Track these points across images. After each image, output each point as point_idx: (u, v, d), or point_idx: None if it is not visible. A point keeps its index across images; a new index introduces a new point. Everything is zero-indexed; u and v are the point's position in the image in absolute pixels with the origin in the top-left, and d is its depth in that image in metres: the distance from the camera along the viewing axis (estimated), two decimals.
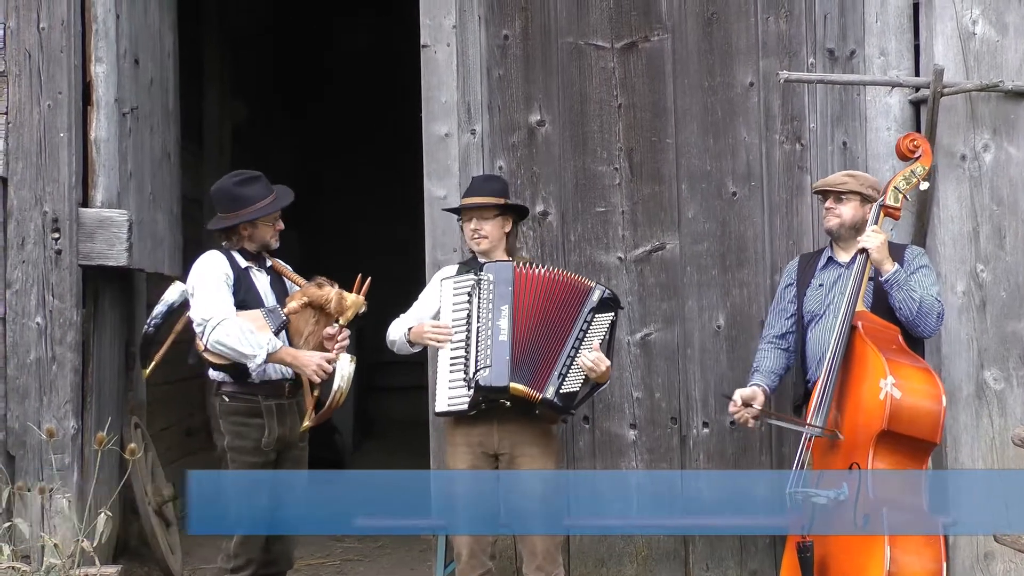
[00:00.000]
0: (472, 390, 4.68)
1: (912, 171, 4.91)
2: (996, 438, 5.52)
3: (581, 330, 4.74)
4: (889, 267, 4.80)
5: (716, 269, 5.71)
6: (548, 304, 4.75)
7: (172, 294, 5.07)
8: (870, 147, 5.62)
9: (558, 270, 4.89)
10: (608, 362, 4.75)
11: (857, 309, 4.75)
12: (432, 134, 5.73)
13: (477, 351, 4.69)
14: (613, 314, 4.81)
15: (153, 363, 5.18)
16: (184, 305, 4.99)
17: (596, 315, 4.77)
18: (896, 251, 4.91)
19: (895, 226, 5.50)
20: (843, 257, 5.01)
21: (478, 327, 4.71)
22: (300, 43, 11.40)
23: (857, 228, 4.94)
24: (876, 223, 4.85)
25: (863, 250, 4.80)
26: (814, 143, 5.66)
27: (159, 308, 5.08)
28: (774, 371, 5.06)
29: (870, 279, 4.83)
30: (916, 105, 5.59)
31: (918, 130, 5.51)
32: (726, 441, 5.68)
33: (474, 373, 4.67)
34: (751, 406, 4.92)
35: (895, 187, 4.89)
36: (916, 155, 4.93)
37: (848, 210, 4.95)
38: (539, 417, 4.78)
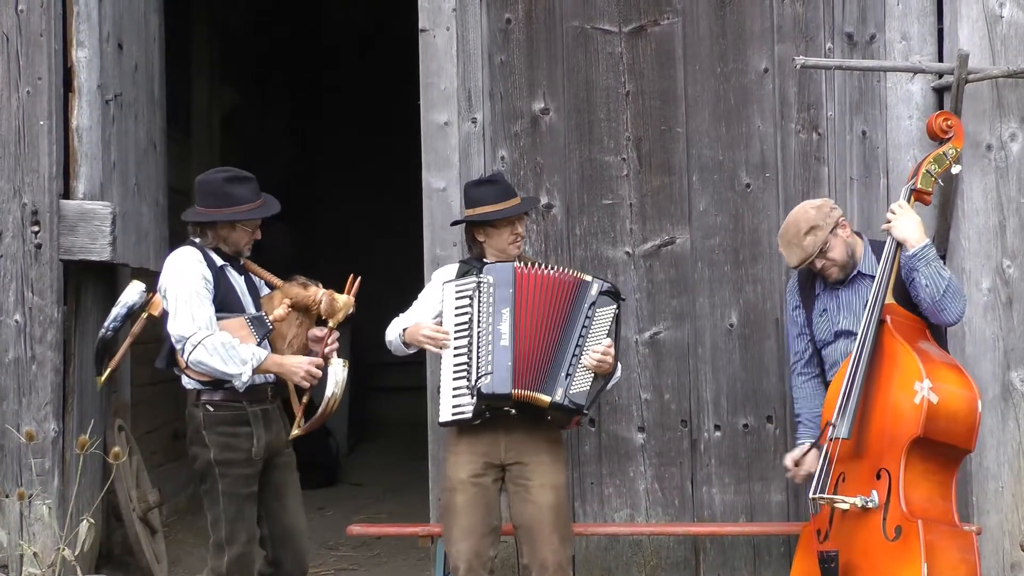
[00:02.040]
0: (475, 398, 4.55)
1: (944, 152, 4.70)
2: (1022, 442, 5.35)
3: (583, 327, 4.61)
4: (914, 242, 4.54)
5: (729, 264, 5.55)
6: (548, 304, 4.64)
7: (131, 295, 4.90)
8: (890, 136, 5.47)
9: (558, 267, 4.76)
10: (613, 353, 4.61)
11: (887, 301, 4.55)
12: (431, 123, 5.59)
13: (479, 357, 4.57)
14: (615, 306, 4.68)
15: (108, 370, 4.99)
16: (143, 306, 4.84)
17: (597, 310, 4.64)
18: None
19: None
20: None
21: (479, 332, 4.60)
22: (294, 27, 11.23)
23: (853, 253, 4.74)
24: (908, 202, 4.63)
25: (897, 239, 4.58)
26: (832, 132, 5.52)
27: (117, 310, 4.91)
28: (818, 415, 4.82)
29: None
30: (939, 92, 5.43)
31: None
32: (738, 445, 5.54)
33: (476, 380, 4.55)
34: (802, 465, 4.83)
35: (927, 170, 4.66)
36: (949, 135, 4.73)
37: (837, 253, 4.71)
38: (549, 423, 4.66)
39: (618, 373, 4.76)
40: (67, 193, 5.53)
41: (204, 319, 4.55)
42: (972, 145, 5.33)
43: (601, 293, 4.65)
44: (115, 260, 5.61)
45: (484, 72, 5.57)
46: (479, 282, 4.63)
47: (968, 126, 5.29)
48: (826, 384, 4.82)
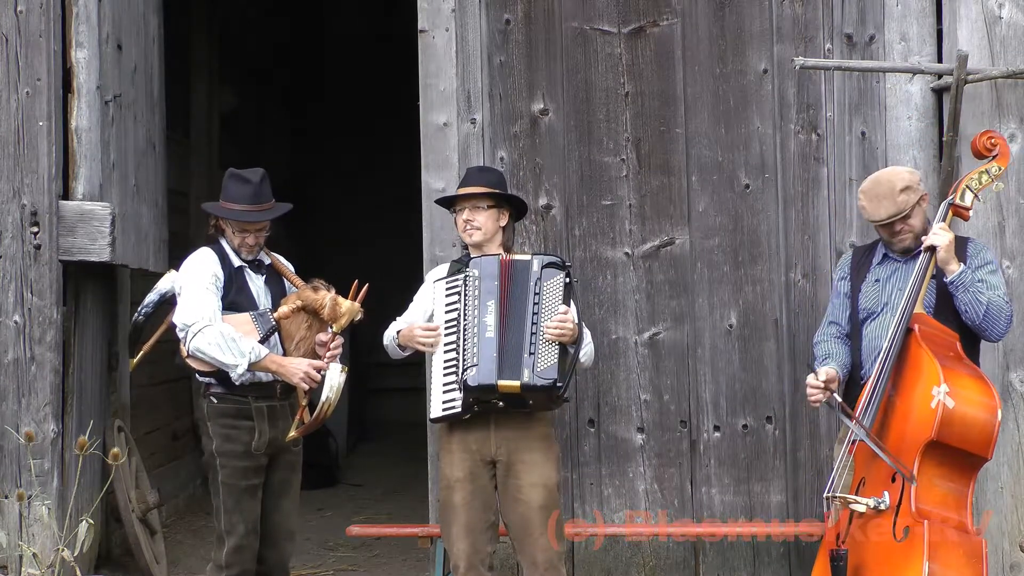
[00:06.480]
0: (462, 392, 4.54)
1: (987, 170, 4.61)
2: (1022, 443, 5.36)
3: (535, 303, 4.59)
4: (955, 268, 4.51)
5: (728, 265, 5.55)
6: (515, 290, 4.62)
7: (165, 283, 4.96)
8: (890, 137, 5.47)
9: (511, 253, 4.73)
10: (572, 317, 4.57)
11: (916, 311, 4.47)
12: (430, 124, 5.59)
13: (465, 351, 4.57)
14: (563, 274, 4.64)
15: (141, 353, 5.07)
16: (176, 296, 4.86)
17: (543, 283, 4.61)
18: (959, 245, 4.60)
19: None
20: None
21: (465, 325, 4.60)
22: (295, 27, 11.21)
23: (924, 228, 4.64)
24: (944, 220, 4.56)
25: (931, 248, 4.49)
26: (831, 133, 5.52)
27: (151, 297, 4.98)
28: (845, 364, 4.72)
29: (932, 277, 4.55)
30: (939, 93, 5.44)
31: (940, 119, 5.36)
32: (738, 446, 5.53)
33: (463, 374, 4.54)
34: (829, 389, 4.55)
35: (967, 186, 4.59)
36: (993, 153, 4.64)
37: (917, 221, 4.63)
38: (539, 418, 4.62)
39: (587, 340, 4.69)
40: (66, 194, 5.52)
41: (209, 311, 4.61)
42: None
43: (544, 267, 4.62)
44: (114, 261, 5.59)
45: (483, 73, 5.56)
46: (466, 276, 4.64)
47: (967, 127, 5.30)
48: (850, 351, 4.73)
